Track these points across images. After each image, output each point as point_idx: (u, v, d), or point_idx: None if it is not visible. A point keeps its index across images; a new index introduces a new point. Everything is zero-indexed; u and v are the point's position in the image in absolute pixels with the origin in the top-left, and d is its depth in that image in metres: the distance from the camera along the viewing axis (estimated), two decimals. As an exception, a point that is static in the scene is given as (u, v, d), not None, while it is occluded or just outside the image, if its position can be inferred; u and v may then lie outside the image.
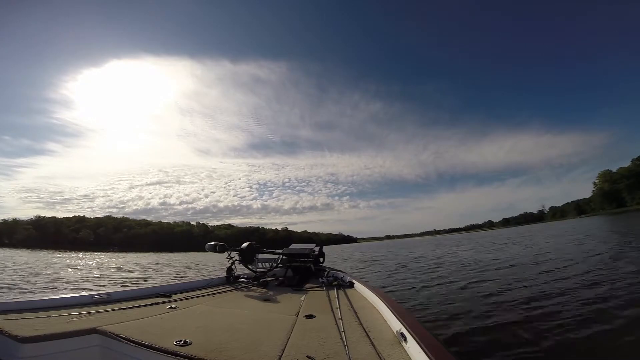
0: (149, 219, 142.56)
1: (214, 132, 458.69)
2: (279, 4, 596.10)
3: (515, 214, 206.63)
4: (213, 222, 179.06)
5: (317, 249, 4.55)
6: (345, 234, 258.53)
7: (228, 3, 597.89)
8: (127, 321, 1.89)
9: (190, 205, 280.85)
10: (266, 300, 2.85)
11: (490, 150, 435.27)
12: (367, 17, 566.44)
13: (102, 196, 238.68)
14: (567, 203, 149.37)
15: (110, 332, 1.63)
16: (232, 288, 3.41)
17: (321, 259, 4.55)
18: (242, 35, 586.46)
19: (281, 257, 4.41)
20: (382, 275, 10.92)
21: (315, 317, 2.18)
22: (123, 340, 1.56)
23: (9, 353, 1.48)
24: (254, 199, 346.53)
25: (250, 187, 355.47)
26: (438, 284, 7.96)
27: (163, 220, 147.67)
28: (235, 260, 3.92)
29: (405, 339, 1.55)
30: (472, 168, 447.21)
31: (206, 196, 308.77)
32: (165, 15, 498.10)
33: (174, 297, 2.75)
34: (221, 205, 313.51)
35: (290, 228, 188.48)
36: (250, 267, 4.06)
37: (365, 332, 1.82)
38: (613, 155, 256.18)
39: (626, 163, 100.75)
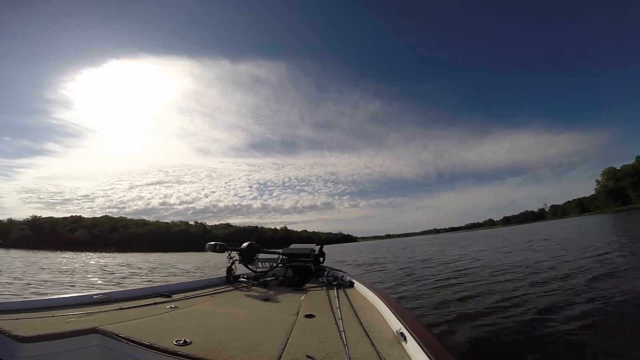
0: (149, 219, 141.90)
1: (213, 131, 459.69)
2: (278, 3, 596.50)
3: (516, 213, 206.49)
4: (213, 222, 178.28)
5: (317, 248, 4.52)
6: (346, 233, 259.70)
7: (227, 3, 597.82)
8: (127, 321, 1.89)
9: (190, 205, 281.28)
10: (266, 300, 2.83)
11: (490, 149, 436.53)
12: (367, 17, 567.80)
13: (102, 196, 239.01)
14: (569, 201, 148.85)
15: (110, 332, 1.62)
16: (232, 288, 3.40)
17: (321, 259, 4.52)
18: (242, 35, 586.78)
19: (281, 256, 4.39)
20: (385, 286, 8.38)
21: (315, 316, 2.18)
22: (123, 340, 1.55)
23: (9, 353, 1.48)
24: (254, 198, 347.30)
25: (251, 187, 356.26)
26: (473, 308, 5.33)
27: (164, 221, 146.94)
28: (236, 260, 3.90)
29: (405, 339, 1.55)
30: (472, 167, 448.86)
31: (206, 196, 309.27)
32: (164, 15, 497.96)
33: (174, 297, 2.73)
34: (221, 205, 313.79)
35: (291, 227, 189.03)
36: (250, 266, 4.04)
37: (365, 331, 1.82)
38: (613, 154, 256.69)
39: (626, 162, 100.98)
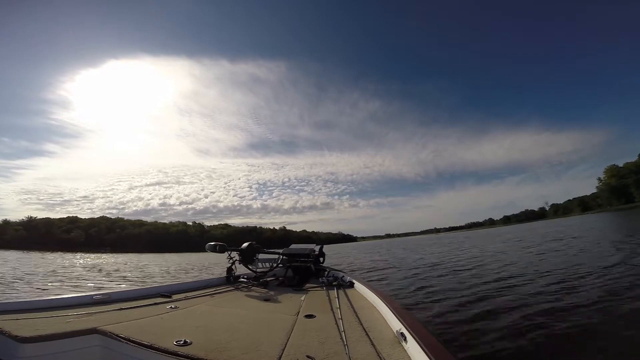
0: (148, 220, 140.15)
1: (213, 132, 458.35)
2: (278, 3, 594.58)
3: (516, 212, 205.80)
4: (212, 222, 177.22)
5: (317, 248, 4.51)
6: (345, 233, 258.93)
7: (227, 3, 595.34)
8: (127, 321, 1.89)
9: (190, 206, 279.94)
10: (266, 300, 2.84)
11: (490, 148, 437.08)
12: (366, 16, 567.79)
13: (102, 197, 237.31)
14: (570, 200, 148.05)
15: (110, 332, 1.63)
16: (232, 288, 3.39)
17: (321, 259, 4.51)
18: (241, 35, 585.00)
19: (281, 257, 4.40)
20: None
21: (315, 317, 2.18)
22: (123, 340, 1.56)
23: (9, 353, 1.48)
24: (254, 198, 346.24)
25: (250, 187, 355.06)
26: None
27: (163, 221, 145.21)
28: (236, 260, 3.91)
29: (405, 339, 1.55)
30: (472, 166, 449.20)
31: (206, 196, 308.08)
32: (163, 15, 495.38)
33: (174, 297, 2.73)
34: (221, 205, 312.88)
35: (291, 227, 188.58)
36: (250, 267, 4.05)
37: (365, 332, 1.82)
38: (613, 152, 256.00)
39: (627, 160, 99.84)
